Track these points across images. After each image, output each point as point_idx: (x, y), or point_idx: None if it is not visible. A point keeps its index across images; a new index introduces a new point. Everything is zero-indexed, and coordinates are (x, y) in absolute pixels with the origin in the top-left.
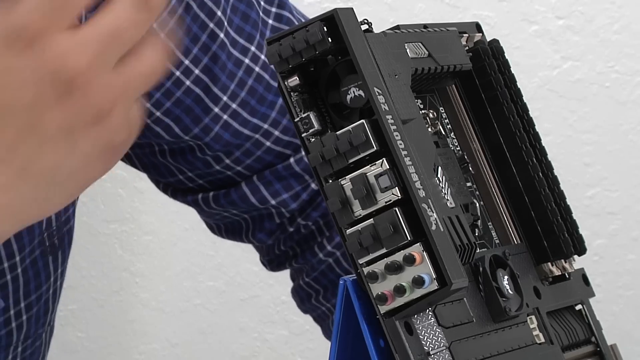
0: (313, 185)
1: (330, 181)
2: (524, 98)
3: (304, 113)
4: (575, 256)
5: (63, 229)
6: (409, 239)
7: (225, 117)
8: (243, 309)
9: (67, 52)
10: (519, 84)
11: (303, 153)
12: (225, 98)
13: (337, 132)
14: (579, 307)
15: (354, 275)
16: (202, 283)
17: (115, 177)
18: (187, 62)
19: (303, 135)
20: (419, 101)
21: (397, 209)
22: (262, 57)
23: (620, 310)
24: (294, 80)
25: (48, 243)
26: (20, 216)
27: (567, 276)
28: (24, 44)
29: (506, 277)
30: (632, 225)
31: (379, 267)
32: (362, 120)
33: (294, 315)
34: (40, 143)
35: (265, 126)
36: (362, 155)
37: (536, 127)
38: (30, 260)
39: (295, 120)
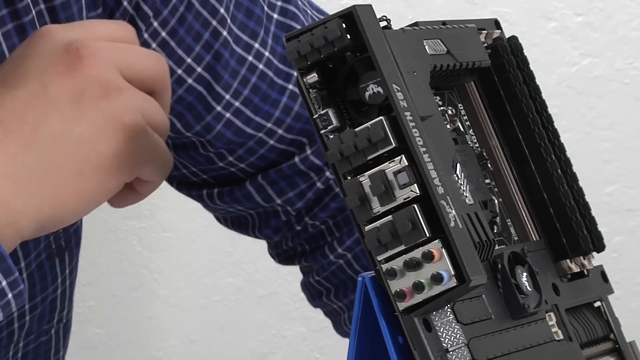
0: (319, 184)
1: (349, 178)
2: (542, 95)
3: (322, 110)
4: (594, 253)
5: (70, 230)
6: (428, 235)
7: (227, 115)
8: (262, 306)
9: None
10: (537, 81)
11: (308, 151)
12: (227, 96)
13: (356, 129)
14: (597, 304)
15: (373, 272)
16: (221, 280)
17: None
18: (189, 60)
19: (321, 132)
20: (438, 98)
21: (415, 206)
22: (266, 53)
23: (638, 307)
24: (312, 77)
25: (54, 245)
26: (32, 193)
27: (586, 273)
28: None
29: (525, 274)
30: None
31: (397, 263)
32: (380, 117)
33: (312, 312)
34: (48, 109)
35: (269, 125)
36: (380, 152)
37: (555, 123)
38: (36, 264)
39: (314, 117)
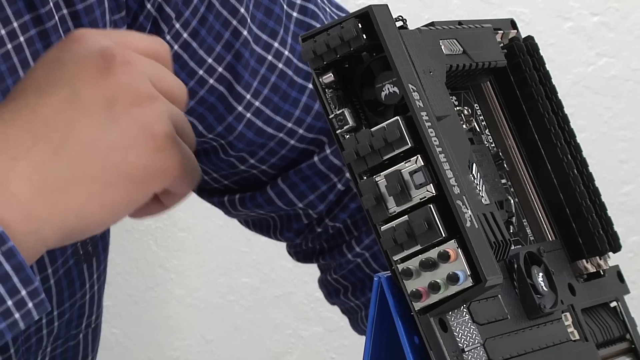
0: (339, 186)
1: (365, 178)
2: (558, 95)
3: (338, 110)
4: (610, 253)
5: (96, 235)
6: (444, 235)
7: (248, 115)
8: (277, 306)
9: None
10: (553, 81)
11: (327, 151)
12: (248, 96)
13: (372, 129)
14: (613, 304)
15: (389, 272)
16: (237, 280)
17: None
18: (210, 60)
19: (337, 132)
20: (454, 98)
21: (431, 206)
22: (286, 52)
23: None
24: (328, 77)
25: (82, 251)
26: (58, 202)
27: (602, 273)
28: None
29: (541, 274)
30: None
31: (413, 263)
32: (396, 117)
33: (328, 312)
34: (79, 116)
35: (289, 124)
36: (396, 151)
37: (571, 123)
38: (64, 270)
39: (330, 117)
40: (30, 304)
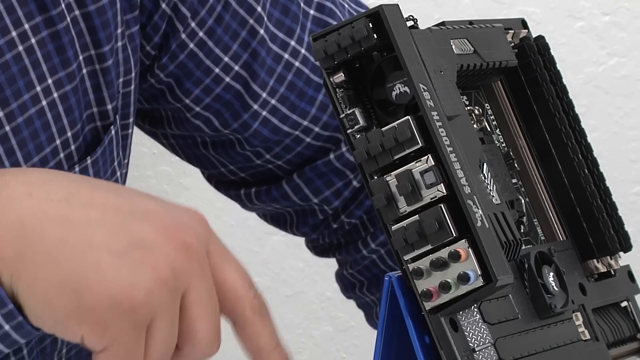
0: (355, 183)
1: (376, 177)
2: (569, 94)
3: (349, 109)
4: (621, 253)
5: None
6: (454, 235)
7: (264, 113)
8: (288, 305)
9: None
10: (564, 81)
11: (344, 148)
12: (264, 94)
13: (383, 129)
14: (624, 303)
15: (399, 271)
16: None
17: (161, 174)
18: (226, 59)
19: (348, 131)
20: (465, 98)
21: (442, 206)
22: (302, 51)
23: None
24: (339, 77)
25: None
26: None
27: (613, 273)
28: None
29: (551, 273)
30: None
31: (424, 263)
32: (407, 117)
33: (339, 312)
34: (110, 217)
35: (305, 123)
36: (407, 151)
37: (582, 123)
38: None
39: (341, 116)
40: (6, 327)
